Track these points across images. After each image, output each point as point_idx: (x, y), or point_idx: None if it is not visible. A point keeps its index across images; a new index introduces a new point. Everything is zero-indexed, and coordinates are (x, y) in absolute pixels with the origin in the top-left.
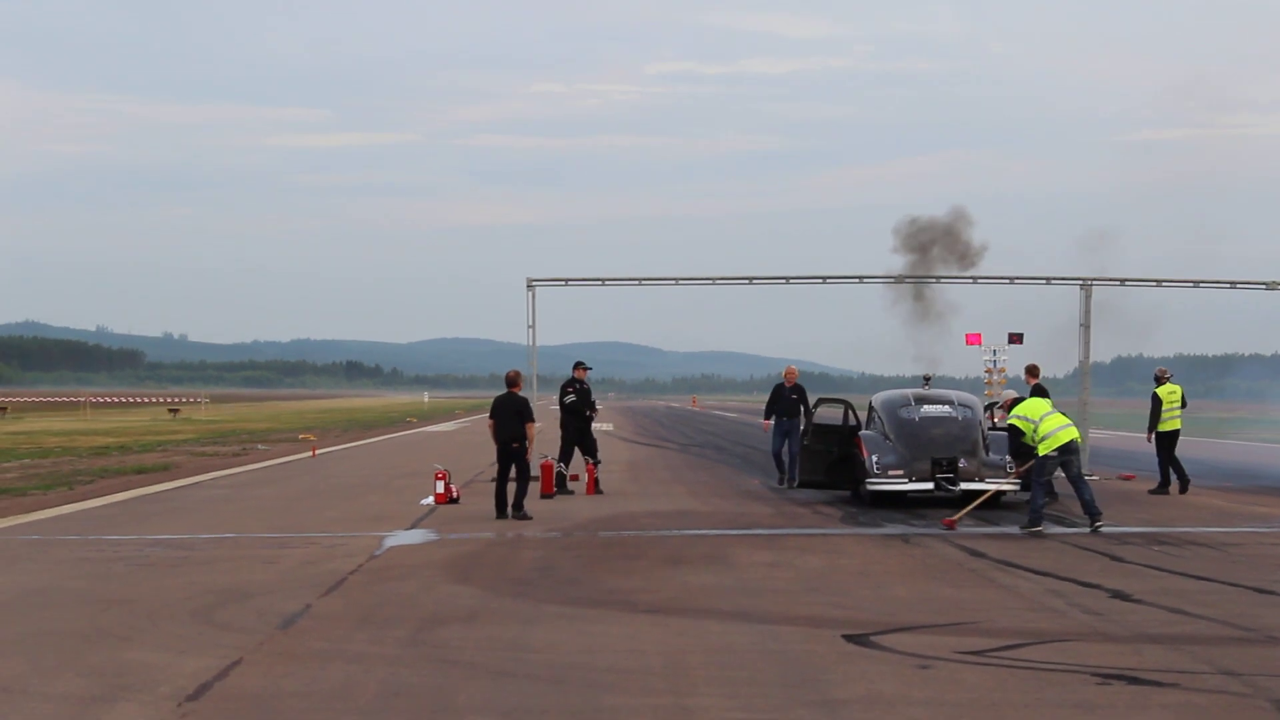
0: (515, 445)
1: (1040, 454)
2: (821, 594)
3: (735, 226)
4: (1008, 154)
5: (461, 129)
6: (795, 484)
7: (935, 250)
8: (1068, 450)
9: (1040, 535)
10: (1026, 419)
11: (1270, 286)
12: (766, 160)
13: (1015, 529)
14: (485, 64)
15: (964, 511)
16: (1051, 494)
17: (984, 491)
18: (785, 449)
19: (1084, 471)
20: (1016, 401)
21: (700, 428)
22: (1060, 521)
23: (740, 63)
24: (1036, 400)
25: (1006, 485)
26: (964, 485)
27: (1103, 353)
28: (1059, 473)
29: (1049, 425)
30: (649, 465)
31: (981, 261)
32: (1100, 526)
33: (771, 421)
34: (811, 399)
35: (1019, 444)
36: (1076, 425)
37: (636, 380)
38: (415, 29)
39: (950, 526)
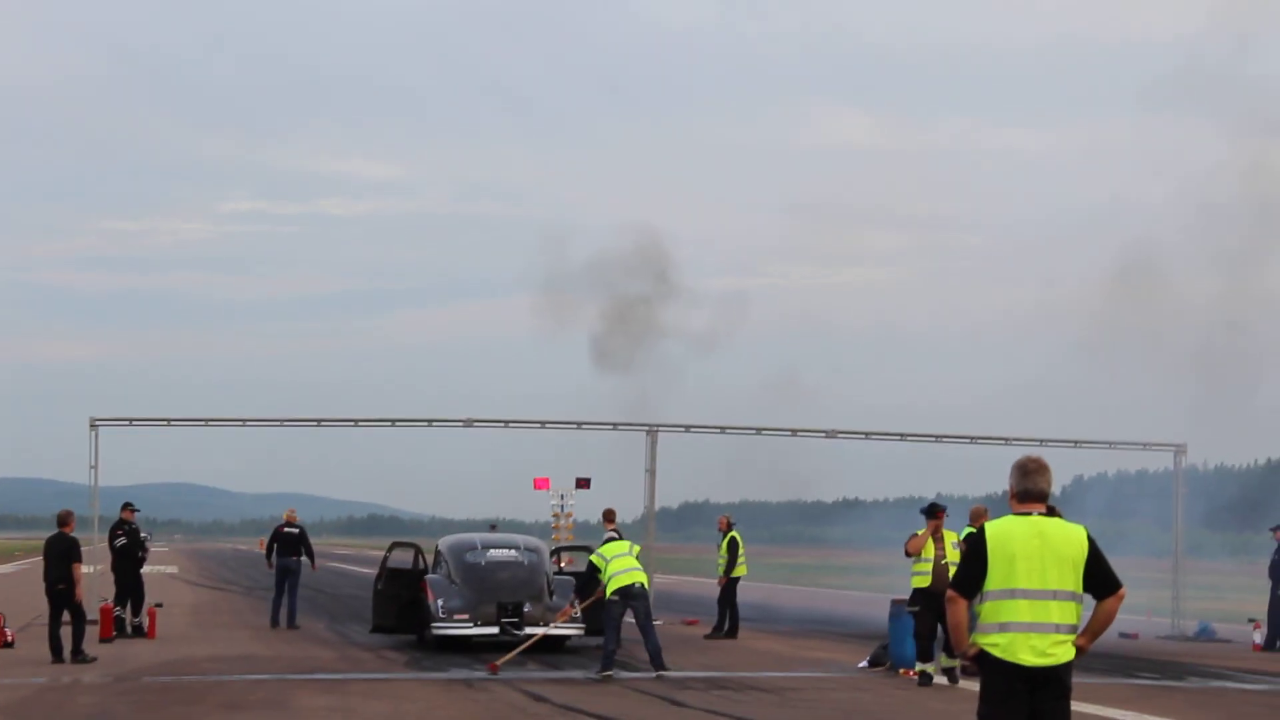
0: (61, 586)
1: (605, 595)
2: None
3: (310, 366)
4: (578, 298)
5: (29, 264)
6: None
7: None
8: (628, 595)
9: (610, 679)
10: (602, 557)
11: (830, 435)
12: (344, 300)
13: (579, 673)
14: (55, 199)
15: (510, 655)
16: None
17: (531, 636)
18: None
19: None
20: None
21: (267, 571)
22: (625, 666)
23: (315, 202)
24: (616, 542)
25: (571, 629)
26: (529, 629)
27: (671, 498)
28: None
29: (614, 567)
30: (213, 609)
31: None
32: (664, 676)
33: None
34: (385, 543)
35: (586, 581)
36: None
37: (204, 522)
38: None
39: (494, 670)
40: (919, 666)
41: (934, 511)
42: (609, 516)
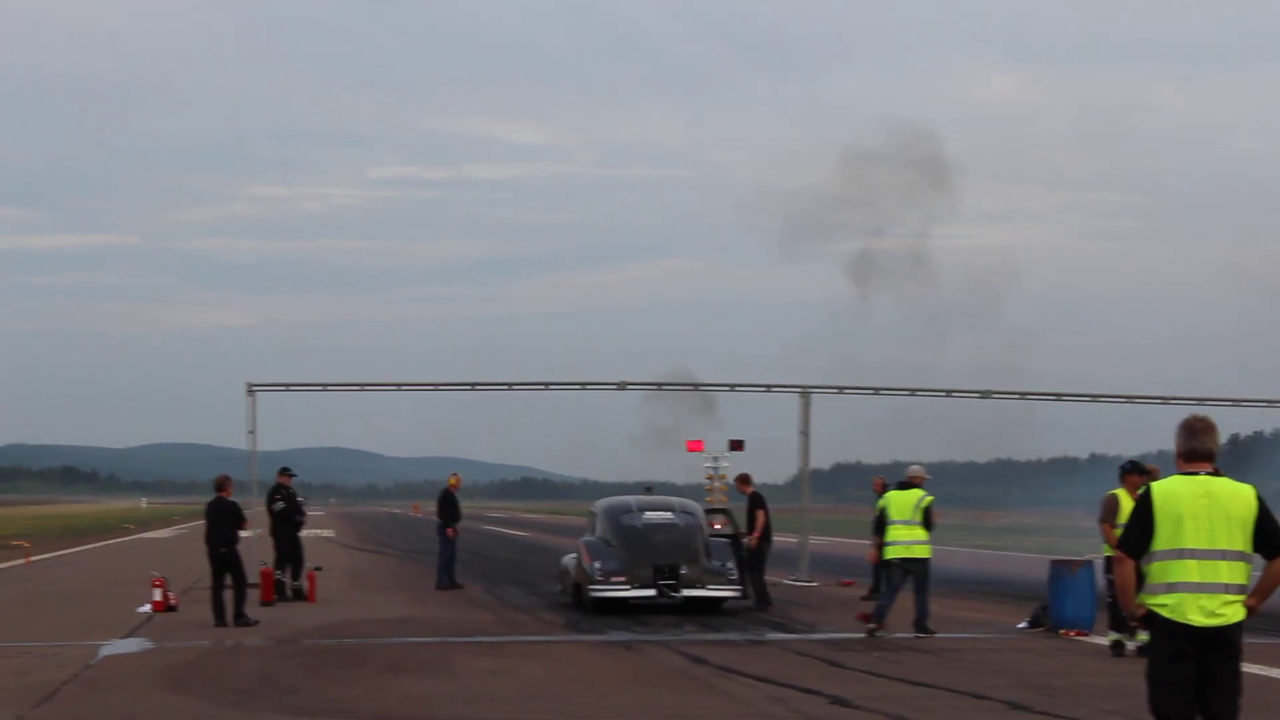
0: (224, 550)
1: (883, 556)
2: (542, 701)
3: (461, 331)
4: (730, 261)
5: (181, 231)
6: None
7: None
8: (908, 562)
9: (873, 635)
10: (885, 513)
11: (984, 395)
12: (491, 265)
13: (736, 635)
14: (205, 166)
15: (875, 608)
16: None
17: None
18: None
19: (804, 578)
20: (900, 485)
21: (422, 534)
22: (782, 628)
23: (463, 167)
24: (905, 493)
25: (728, 591)
26: (686, 592)
27: (823, 459)
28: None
29: (895, 534)
30: (371, 572)
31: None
32: (922, 636)
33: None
34: (539, 506)
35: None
36: (799, 531)
37: (358, 486)
38: (131, 129)
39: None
40: (1111, 636)
41: (1140, 469)
42: (745, 480)
